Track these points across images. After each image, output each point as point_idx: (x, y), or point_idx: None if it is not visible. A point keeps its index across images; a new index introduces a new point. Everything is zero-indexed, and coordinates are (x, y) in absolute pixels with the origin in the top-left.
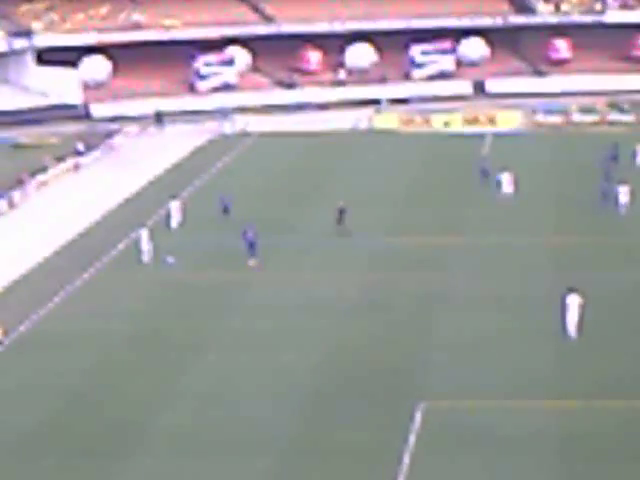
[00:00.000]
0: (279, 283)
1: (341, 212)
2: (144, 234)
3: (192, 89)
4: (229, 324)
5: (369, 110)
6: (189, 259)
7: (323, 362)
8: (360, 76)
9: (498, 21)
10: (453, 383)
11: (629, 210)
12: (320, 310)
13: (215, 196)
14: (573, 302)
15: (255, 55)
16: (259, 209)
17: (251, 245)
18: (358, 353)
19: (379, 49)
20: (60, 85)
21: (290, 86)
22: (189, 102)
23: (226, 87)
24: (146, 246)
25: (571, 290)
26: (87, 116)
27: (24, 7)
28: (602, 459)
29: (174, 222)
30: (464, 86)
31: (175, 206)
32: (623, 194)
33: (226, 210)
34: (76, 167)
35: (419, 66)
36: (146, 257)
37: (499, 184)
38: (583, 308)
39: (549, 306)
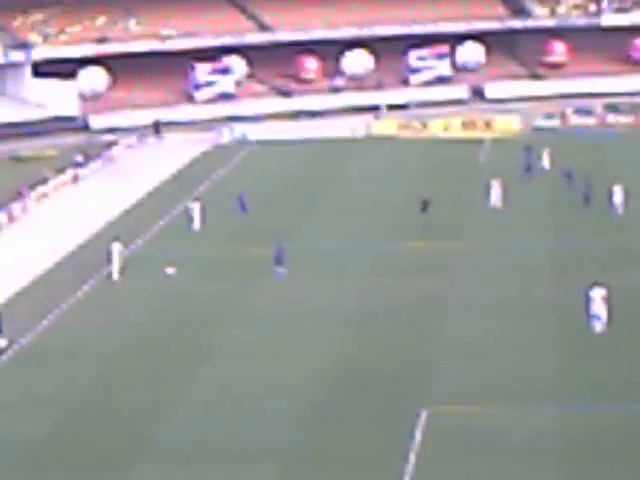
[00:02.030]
0: (281, 292)
1: (425, 204)
2: (115, 248)
3: (190, 99)
4: (231, 334)
5: (367, 116)
6: (192, 268)
7: (326, 370)
8: (357, 83)
9: (495, 25)
10: (456, 389)
11: (624, 210)
12: (322, 318)
13: (218, 203)
14: (597, 295)
15: (252, 64)
16: (259, 217)
17: (280, 255)
18: (361, 360)
19: (376, 55)
20: (58, 97)
21: (287, 94)
22: (187, 112)
23: (224, 96)
24: (118, 261)
25: (595, 284)
26: (85, 128)
27: (20, 20)
28: (605, 462)
29: (195, 224)
30: (461, 91)
31: (196, 208)
32: (617, 193)
33: (244, 208)
34: (75, 179)
35: (416, 72)
36: (116, 275)
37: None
38: (608, 301)
39: (551, 309)
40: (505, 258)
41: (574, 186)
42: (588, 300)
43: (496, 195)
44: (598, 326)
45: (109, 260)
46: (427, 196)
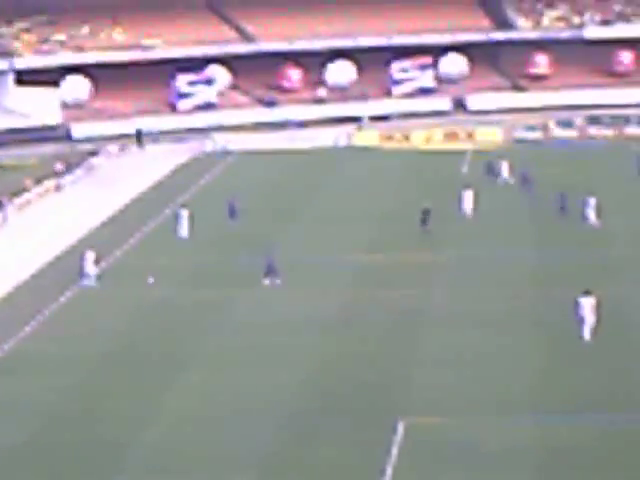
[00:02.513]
0: (261, 300)
1: (425, 213)
2: (90, 256)
3: (172, 108)
4: (211, 342)
5: (349, 127)
6: (173, 277)
7: (305, 379)
8: (340, 93)
9: (478, 37)
10: (435, 399)
11: (600, 221)
12: (302, 327)
13: (201, 212)
14: (586, 304)
15: (235, 74)
16: (242, 226)
17: (270, 265)
18: (340, 370)
19: (359, 66)
20: (40, 106)
21: (270, 104)
22: (170, 121)
23: (206, 106)
24: (91, 269)
25: (585, 293)
26: (67, 136)
27: (4, 28)
28: (585, 474)
29: (184, 231)
30: (444, 102)
31: (185, 215)
32: (593, 205)
33: (233, 214)
34: (57, 188)
35: (399, 83)
36: (92, 282)
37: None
38: (598, 310)
39: (531, 321)
40: (485, 269)
41: (532, 192)
42: (577, 308)
43: (471, 205)
44: (586, 332)
45: (81, 269)
46: (428, 206)
